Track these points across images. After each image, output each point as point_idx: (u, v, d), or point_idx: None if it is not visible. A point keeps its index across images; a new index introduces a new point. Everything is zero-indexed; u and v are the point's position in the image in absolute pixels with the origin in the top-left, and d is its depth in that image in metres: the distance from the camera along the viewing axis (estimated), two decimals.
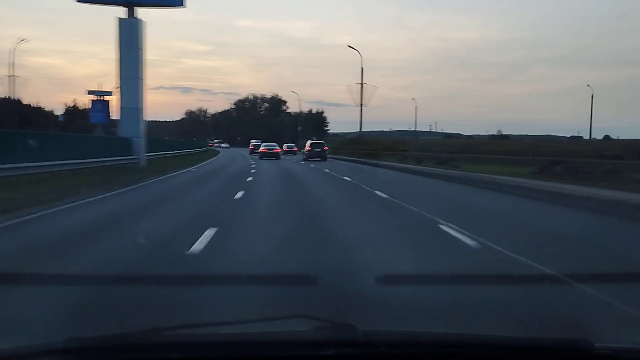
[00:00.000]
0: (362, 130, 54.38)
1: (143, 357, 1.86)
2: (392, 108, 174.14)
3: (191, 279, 5.78)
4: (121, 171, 24.07)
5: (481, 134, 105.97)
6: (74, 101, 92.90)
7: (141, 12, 32.08)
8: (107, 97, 65.50)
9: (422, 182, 22.37)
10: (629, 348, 2.00)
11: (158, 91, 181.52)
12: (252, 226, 9.52)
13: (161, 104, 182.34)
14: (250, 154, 56.01)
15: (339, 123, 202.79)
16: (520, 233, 9.24)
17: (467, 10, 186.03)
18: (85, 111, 76.87)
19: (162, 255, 6.88)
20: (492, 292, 5.42)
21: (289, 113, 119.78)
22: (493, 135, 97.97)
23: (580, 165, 23.71)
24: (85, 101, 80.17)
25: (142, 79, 31.43)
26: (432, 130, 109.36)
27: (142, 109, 31.56)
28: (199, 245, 7.12)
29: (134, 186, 17.70)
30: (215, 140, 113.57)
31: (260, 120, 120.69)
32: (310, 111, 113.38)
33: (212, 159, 44.87)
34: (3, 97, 67.88)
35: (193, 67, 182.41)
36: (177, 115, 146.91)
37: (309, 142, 46.02)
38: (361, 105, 51.53)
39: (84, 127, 64.65)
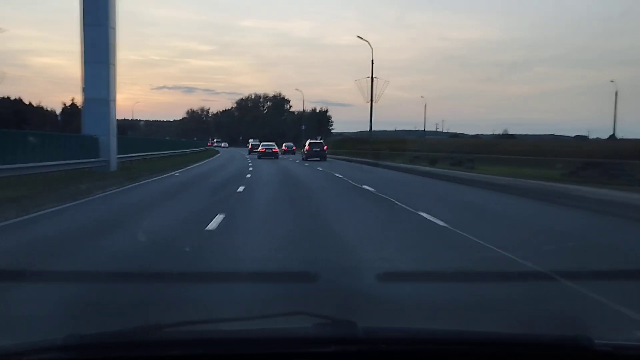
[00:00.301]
0: (366, 129, 51.91)
1: (143, 354, 1.83)
2: (396, 108, 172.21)
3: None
4: (80, 178, 18.68)
5: (484, 133, 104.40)
6: (72, 100, 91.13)
7: None
8: None
9: (449, 188, 18.61)
10: (629, 345, 1.99)
11: (161, 91, 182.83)
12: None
13: (164, 103, 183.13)
14: (249, 154, 56.15)
15: (343, 123, 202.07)
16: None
17: (468, 10, 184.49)
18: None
19: None
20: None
21: (293, 112, 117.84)
22: (499, 134, 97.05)
23: (615, 167, 21.46)
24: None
25: (113, 65, 25.12)
26: (438, 130, 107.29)
27: (113, 100, 25.23)
28: None
29: (78, 201, 12.63)
30: (214, 140, 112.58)
31: (262, 119, 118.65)
32: (314, 110, 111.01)
33: (206, 160, 41.00)
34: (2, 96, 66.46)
35: (196, 67, 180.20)
36: (180, 115, 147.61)
37: (308, 142, 45.83)
38: (371, 101, 46.08)
39: (80, 126, 63.19)
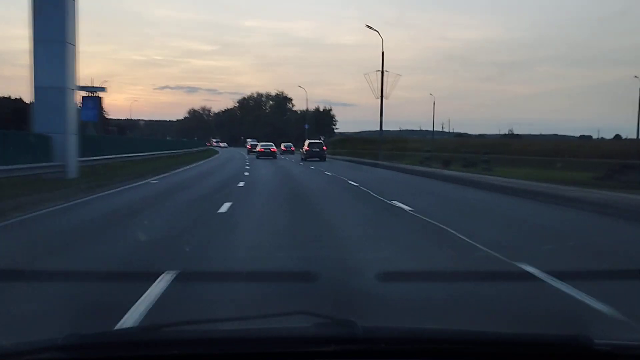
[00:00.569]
0: (370, 129, 49.76)
1: (143, 354, 1.82)
2: (399, 107, 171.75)
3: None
4: (16, 189, 14.40)
5: (488, 133, 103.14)
6: None
7: None
8: (100, 93, 61.34)
9: (478, 198, 15.36)
10: (629, 345, 1.97)
11: (163, 91, 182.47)
12: None
13: (166, 103, 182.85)
14: (248, 154, 55.90)
15: (345, 123, 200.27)
16: None
17: (468, 10, 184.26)
18: (79, 109, 73.27)
19: None
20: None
21: (295, 111, 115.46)
22: (505, 134, 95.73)
23: None
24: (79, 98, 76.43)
25: (73, 45, 19.89)
26: (444, 129, 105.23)
27: (72, 89, 20.02)
28: None
29: None
30: (213, 140, 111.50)
31: (265, 118, 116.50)
32: (317, 109, 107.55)
33: (199, 163, 37.22)
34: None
35: (198, 67, 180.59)
36: (182, 115, 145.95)
37: (307, 142, 45.44)
38: (382, 96, 42.66)
39: (80, 125, 61.83)
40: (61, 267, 6.21)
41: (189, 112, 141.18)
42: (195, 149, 64.19)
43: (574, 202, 13.19)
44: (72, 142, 20.04)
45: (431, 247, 7.95)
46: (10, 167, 16.44)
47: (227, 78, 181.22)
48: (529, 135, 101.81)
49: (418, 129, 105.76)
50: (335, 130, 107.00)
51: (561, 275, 5.58)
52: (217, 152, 66.27)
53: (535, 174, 21.95)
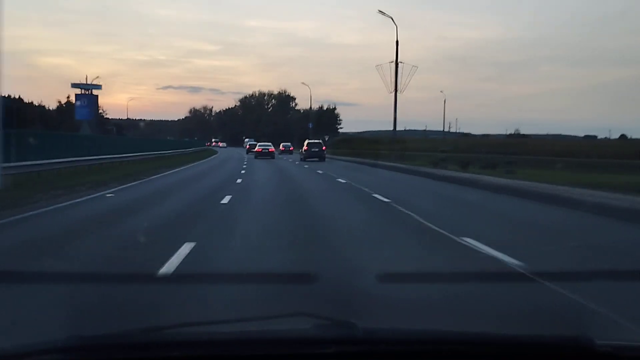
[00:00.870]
0: (371, 130, 46.97)
1: (143, 356, 1.82)
2: (402, 107, 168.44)
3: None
4: None
5: (492, 133, 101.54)
6: (68, 97, 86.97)
7: None
8: (95, 91, 58.90)
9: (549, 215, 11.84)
10: (630, 345, 1.99)
11: (166, 91, 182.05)
12: None
13: (169, 103, 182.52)
14: (247, 153, 55.13)
15: (349, 122, 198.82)
16: None
17: (468, 9, 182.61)
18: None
19: None
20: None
21: (298, 110, 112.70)
22: (511, 134, 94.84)
23: None
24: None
25: None
26: (450, 129, 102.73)
27: None
28: None
29: None
30: (213, 140, 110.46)
31: (267, 117, 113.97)
32: (320, 107, 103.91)
33: (188, 165, 33.08)
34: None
35: (201, 67, 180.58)
36: (184, 115, 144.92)
37: (306, 142, 44.85)
38: (396, 90, 38.79)
39: (73, 124, 60.35)
40: None
41: (190, 112, 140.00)
42: (190, 150, 60.99)
43: None
44: None
45: None
46: None
47: (230, 78, 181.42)
48: (536, 135, 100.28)
49: (422, 129, 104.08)
50: (339, 130, 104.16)
51: None
52: (215, 152, 64.43)
53: (572, 177, 19.41)
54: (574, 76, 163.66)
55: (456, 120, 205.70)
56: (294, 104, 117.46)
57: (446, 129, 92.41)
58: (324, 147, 43.55)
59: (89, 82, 58.42)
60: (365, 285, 5.44)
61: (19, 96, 69.51)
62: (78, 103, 55.02)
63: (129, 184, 18.48)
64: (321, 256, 7.05)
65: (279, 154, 53.59)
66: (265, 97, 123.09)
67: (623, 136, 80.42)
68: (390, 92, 39.16)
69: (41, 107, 75.22)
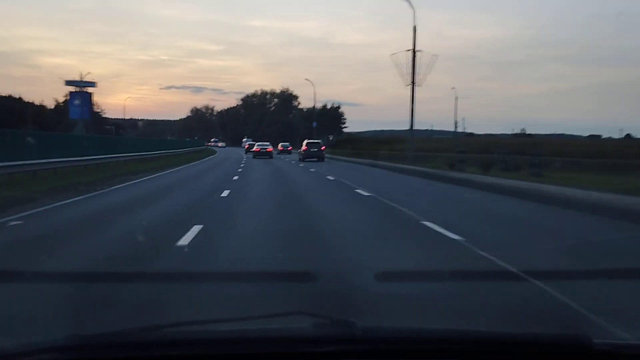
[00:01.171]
0: (375, 130, 44.76)
1: (142, 355, 1.81)
2: (407, 107, 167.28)
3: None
4: None
5: (496, 132, 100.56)
6: (66, 96, 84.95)
7: None
8: (90, 89, 56.61)
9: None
10: (629, 344, 1.99)
11: (169, 90, 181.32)
12: None
13: (172, 103, 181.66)
14: (245, 153, 55.78)
15: (352, 122, 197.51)
16: None
17: (468, 8, 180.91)
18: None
19: None
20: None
21: (301, 109, 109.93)
22: (517, 133, 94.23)
23: None
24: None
25: None
26: (457, 129, 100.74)
27: None
28: None
29: None
30: (212, 140, 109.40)
31: (270, 117, 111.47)
32: (324, 106, 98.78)
33: (180, 167, 30.58)
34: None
35: (204, 67, 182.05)
36: (186, 115, 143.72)
37: (305, 142, 44.89)
38: (413, 83, 35.57)
39: (69, 124, 58.77)
40: None
41: (192, 111, 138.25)
42: (185, 150, 57.74)
43: None
44: None
45: None
46: None
47: (233, 78, 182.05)
48: (539, 135, 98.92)
49: (425, 128, 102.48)
50: (344, 129, 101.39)
51: None
52: (214, 152, 63.92)
53: (614, 182, 17.14)
54: (576, 76, 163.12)
55: (463, 120, 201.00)
56: (297, 103, 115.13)
57: (454, 129, 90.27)
58: (322, 147, 43.72)
59: (83, 80, 56.25)
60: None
61: (20, 96, 69.29)
62: (73, 102, 52.89)
63: (108, 189, 16.75)
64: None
65: (277, 153, 54.36)
66: (268, 96, 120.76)
67: (628, 135, 79.57)
68: (407, 85, 36.22)
69: (40, 107, 74.13)
